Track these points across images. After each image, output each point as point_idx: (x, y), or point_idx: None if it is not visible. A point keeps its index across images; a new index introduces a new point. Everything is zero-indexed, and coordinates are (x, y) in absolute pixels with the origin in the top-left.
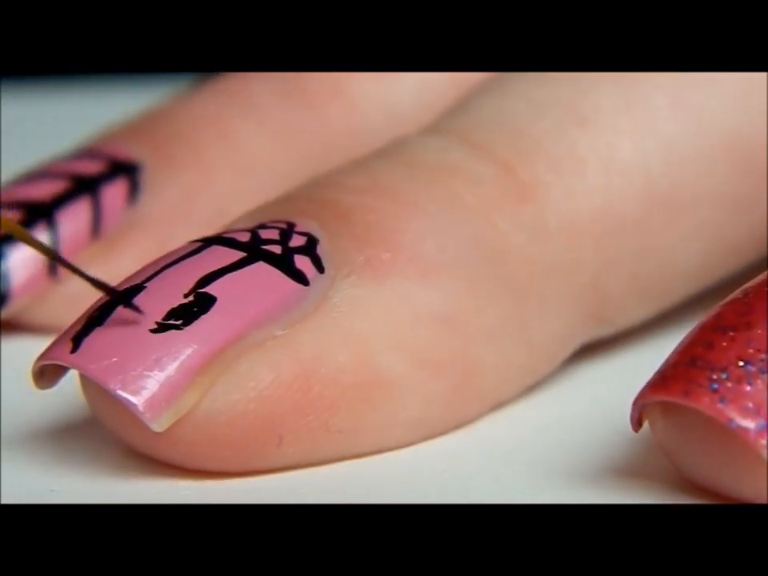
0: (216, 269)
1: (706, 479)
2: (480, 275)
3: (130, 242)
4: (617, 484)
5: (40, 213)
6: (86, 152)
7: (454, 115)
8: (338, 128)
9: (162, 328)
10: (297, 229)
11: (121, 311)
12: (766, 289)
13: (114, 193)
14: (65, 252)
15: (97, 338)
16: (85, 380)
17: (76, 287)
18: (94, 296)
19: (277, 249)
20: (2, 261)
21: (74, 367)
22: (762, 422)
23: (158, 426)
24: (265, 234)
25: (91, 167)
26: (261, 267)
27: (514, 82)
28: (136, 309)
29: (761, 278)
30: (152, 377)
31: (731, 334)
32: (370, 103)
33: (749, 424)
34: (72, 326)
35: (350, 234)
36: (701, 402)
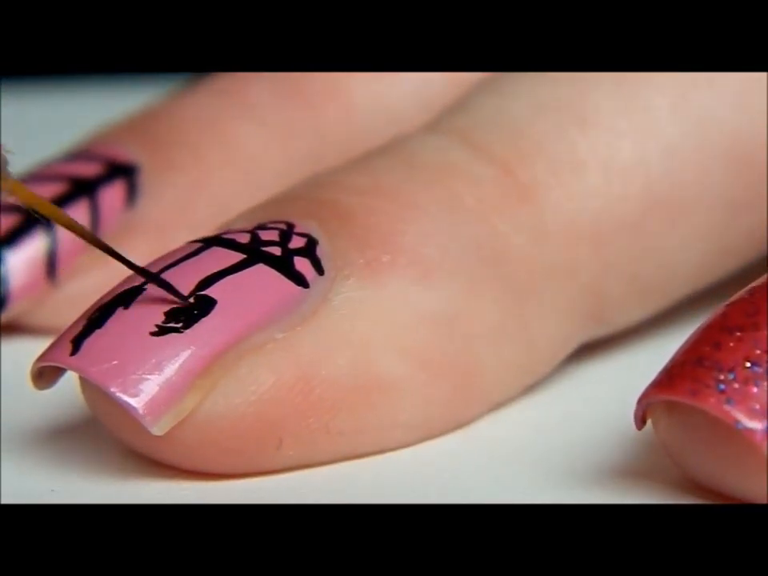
0: (216, 270)
1: (709, 479)
2: (480, 276)
3: (129, 244)
4: (617, 484)
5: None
6: (84, 153)
7: (454, 115)
8: (336, 128)
9: (162, 331)
10: (296, 230)
11: (120, 313)
12: None
13: (112, 195)
14: (63, 256)
15: (97, 341)
16: (84, 382)
17: (75, 289)
18: (93, 298)
19: (276, 251)
20: (1, 264)
21: (74, 370)
22: None
23: (159, 429)
24: (264, 236)
25: (89, 169)
26: (261, 269)
27: (514, 81)
28: (174, 291)
29: (766, 277)
30: (152, 380)
31: (738, 334)
32: (369, 103)
33: (755, 425)
34: (71, 328)
35: (349, 235)
36: (707, 402)
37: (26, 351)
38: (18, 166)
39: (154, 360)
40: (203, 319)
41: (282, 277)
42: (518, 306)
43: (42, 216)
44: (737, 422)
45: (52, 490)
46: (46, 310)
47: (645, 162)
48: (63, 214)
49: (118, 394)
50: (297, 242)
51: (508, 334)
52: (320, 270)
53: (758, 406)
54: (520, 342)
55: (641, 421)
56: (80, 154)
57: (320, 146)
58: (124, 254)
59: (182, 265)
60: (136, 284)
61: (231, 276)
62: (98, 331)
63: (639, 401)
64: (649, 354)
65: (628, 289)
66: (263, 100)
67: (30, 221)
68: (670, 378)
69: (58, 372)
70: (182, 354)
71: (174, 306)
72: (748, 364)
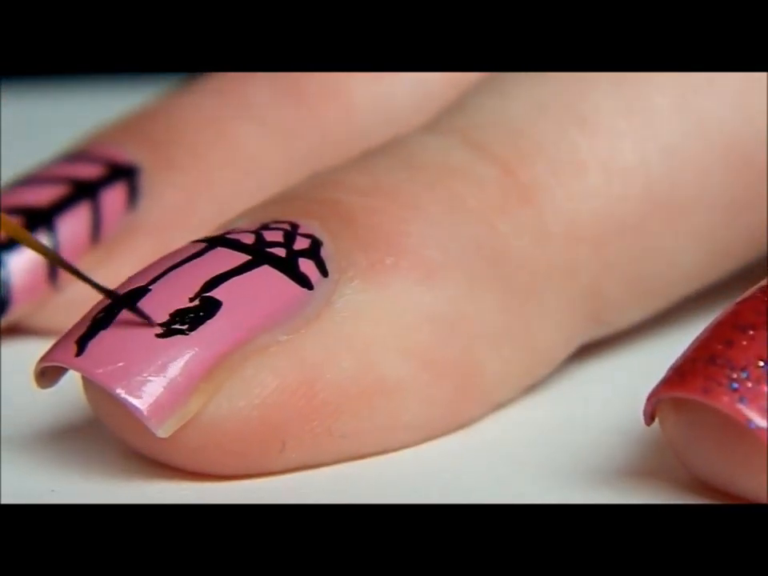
0: (221, 272)
1: (717, 478)
2: (481, 278)
3: (130, 246)
4: (618, 484)
5: (39, 219)
6: (84, 154)
7: (453, 115)
8: (336, 128)
9: (167, 332)
10: (300, 230)
11: (126, 314)
12: None
13: (113, 197)
14: (65, 257)
15: (102, 342)
16: (87, 382)
17: (76, 293)
18: (95, 301)
19: (281, 252)
20: (2, 267)
21: (79, 371)
22: None
23: (163, 431)
24: (269, 236)
25: (90, 171)
26: (266, 271)
27: (513, 81)
28: (142, 314)
29: None
30: (157, 382)
31: (751, 332)
32: (369, 103)
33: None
34: (75, 328)
35: (353, 236)
36: (720, 400)
37: (28, 351)
38: (17, 166)
39: (159, 362)
40: (208, 321)
41: (287, 279)
42: (519, 306)
43: (10, 237)
44: (749, 420)
45: (52, 490)
46: (47, 314)
47: (645, 162)
48: (29, 236)
49: (123, 396)
50: (301, 243)
51: (509, 335)
52: (324, 271)
53: None
54: (520, 342)
55: (650, 417)
56: (80, 156)
57: (320, 146)
58: (124, 259)
59: (186, 265)
60: (141, 284)
61: (236, 278)
62: (102, 332)
63: (649, 397)
64: (650, 354)
65: (628, 289)
66: (262, 100)
67: (29, 224)
68: (681, 375)
69: (61, 371)
70: (187, 356)
71: (179, 307)
72: (761, 363)
